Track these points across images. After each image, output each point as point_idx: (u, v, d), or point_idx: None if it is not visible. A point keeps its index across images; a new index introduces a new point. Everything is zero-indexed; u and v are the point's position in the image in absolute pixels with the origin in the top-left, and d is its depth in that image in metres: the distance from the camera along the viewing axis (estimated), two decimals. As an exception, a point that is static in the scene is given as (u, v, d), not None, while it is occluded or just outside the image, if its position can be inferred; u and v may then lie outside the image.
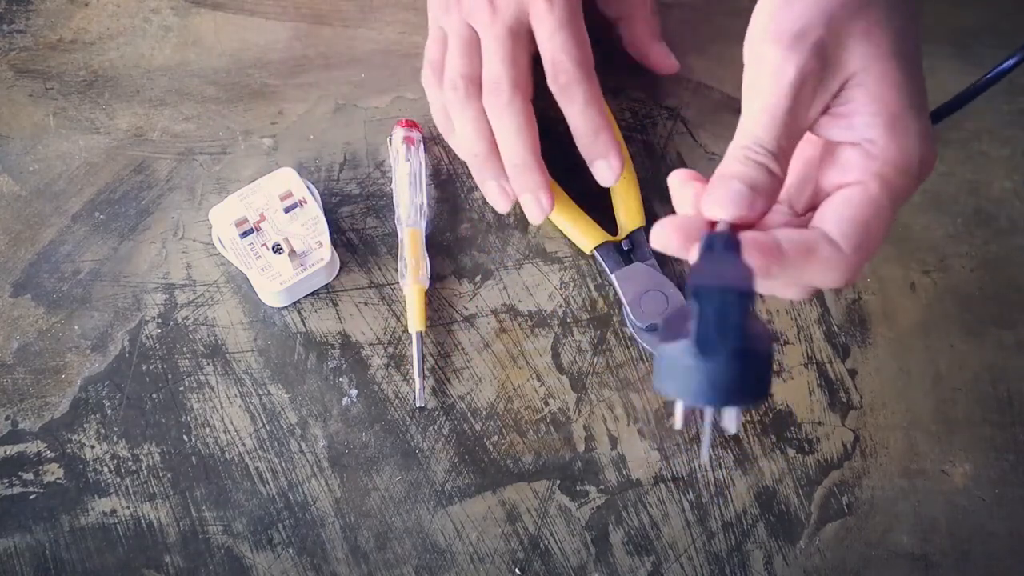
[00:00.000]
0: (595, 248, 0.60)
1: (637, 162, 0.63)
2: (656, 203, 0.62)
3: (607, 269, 0.59)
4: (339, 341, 0.59)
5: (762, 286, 0.42)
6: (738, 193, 0.40)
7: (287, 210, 0.58)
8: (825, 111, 0.42)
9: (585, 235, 0.60)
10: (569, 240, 0.61)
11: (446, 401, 0.58)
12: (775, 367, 0.59)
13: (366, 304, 0.60)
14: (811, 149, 0.45)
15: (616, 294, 0.59)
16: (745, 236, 0.39)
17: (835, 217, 0.41)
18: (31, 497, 0.55)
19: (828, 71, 0.41)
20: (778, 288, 0.44)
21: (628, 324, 0.59)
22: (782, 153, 0.41)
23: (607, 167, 0.56)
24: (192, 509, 0.55)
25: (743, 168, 0.40)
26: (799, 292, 0.44)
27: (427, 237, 0.60)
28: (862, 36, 0.41)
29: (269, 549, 0.55)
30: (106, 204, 0.61)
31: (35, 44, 0.65)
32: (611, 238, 0.60)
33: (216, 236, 0.58)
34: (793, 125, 0.41)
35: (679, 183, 0.44)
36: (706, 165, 0.63)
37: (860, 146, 0.41)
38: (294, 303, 0.59)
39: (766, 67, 0.41)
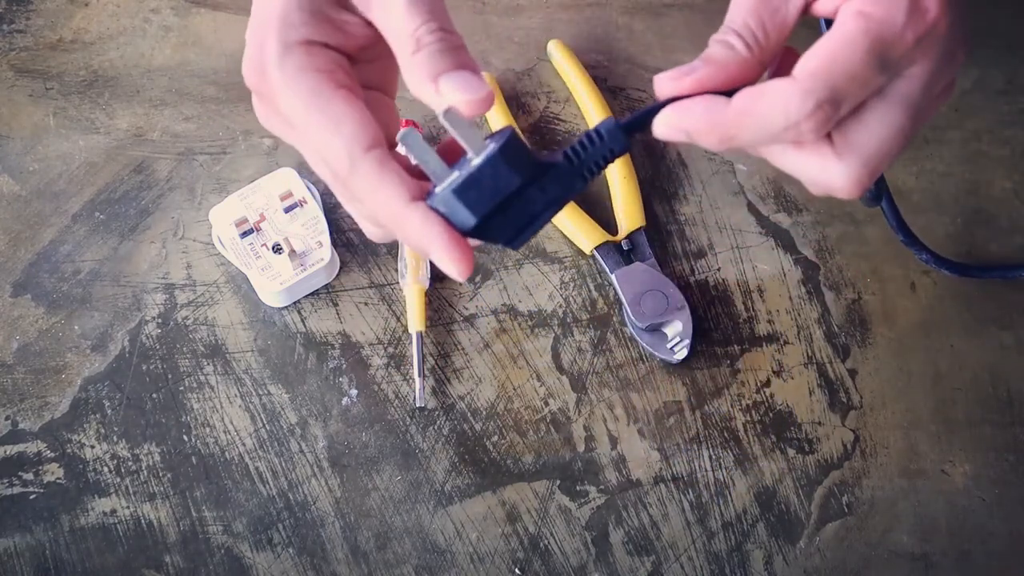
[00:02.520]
0: (595, 248, 0.60)
1: (637, 162, 0.63)
2: (656, 203, 0.62)
3: (607, 269, 0.59)
4: (339, 341, 0.59)
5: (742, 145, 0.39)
6: (686, 65, 0.38)
7: (287, 210, 0.58)
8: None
9: (585, 235, 0.60)
10: (569, 240, 0.61)
11: (446, 401, 0.58)
12: (774, 366, 0.59)
13: (366, 304, 0.60)
14: None
15: (616, 294, 0.59)
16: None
17: (805, 55, 0.37)
18: (31, 497, 0.55)
19: None
20: (751, 129, 0.38)
21: (628, 324, 0.59)
22: (747, 31, 0.38)
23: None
24: (192, 509, 0.55)
25: (705, 51, 0.39)
26: (775, 154, 0.39)
27: (427, 237, 0.60)
28: None
29: (269, 549, 0.55)
30: (106, 204, 0.61)
31: (35, 44, 0.65)
32: (611, 238, 0.60)
33: (216, 236, 0.58)
34: (762, 6, 0.38)
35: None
36: (706, 165, 0.63)
37: None
38: (294, 303, 0.59)
39: None
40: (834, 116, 0.37)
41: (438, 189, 0.37)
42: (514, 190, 0.37)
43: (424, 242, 0.37)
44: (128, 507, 0.55)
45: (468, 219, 0.37)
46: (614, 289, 0.59)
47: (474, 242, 0.38)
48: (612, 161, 0.39)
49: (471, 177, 0.37)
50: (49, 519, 0.55)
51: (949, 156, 0.64)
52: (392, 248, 0.61)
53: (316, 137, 0.38)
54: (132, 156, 0.63)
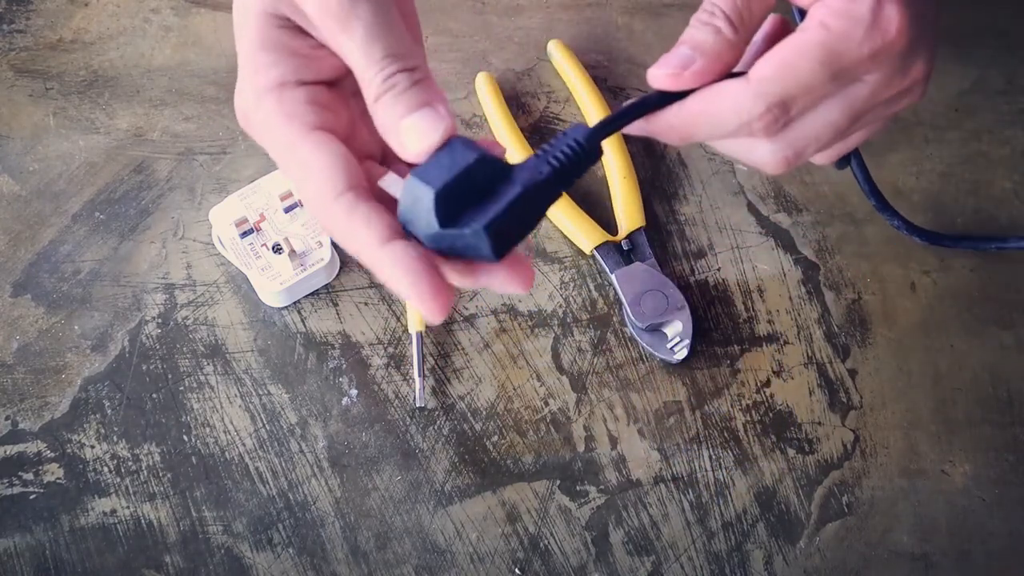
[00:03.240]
0: (595, 248, 0.60)
1: (637, 162, 0.63)
2: (656, 203, 0.62)
3: (607, 269, 0.59)
4: (339, 341, 0.59)
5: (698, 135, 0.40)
6: (677, 53, 0.39)
7: (287, 210, 0.58)
8: None
9: (585, 235, 0.60)
10: (569, 240, 0.61)
11: (446, 401, 0.58)
12: (774, 366, 0.59)
13: (366, 304, 0.60)
14: None
15: (616, 294, 0.59)
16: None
17: (762, 58, 0.39)
18: (31, 497, 0.55)
19: None
20: (707, 125, 0.40)
21: (628, 324, 0.59)
22: (734, 12, 0.39)
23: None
24: (192, 509, 0.55)
25: (689, 33, 0.39)
26: (737, 148, 0.41)
27: (427, 237, 0.60)
28: None
29: (269, 549, 0.55)
30: (106, 204, 0.61)
31: (35, 44, 0.65)
32: (611, 238, 0.60)
33: (216, 236, 0.58)
34: None
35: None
36: (706, 165, 0.63)
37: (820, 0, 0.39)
38: (294, 303, 0.59)
39: None
40: (783, 118, 0.39)
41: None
42: (473, 164, 0.35)
43: (397, 284, 0.35)
44: (128, 507, 0.55)
45: (428, 194, 0.35)
46: (614, 289, 0.59)
47: (457, 278, 0.37)
48: (580, 160, 0.38)
49: (427, 162, 0.36)
50: (49, 519, 0.55)
51: (949, 156, 0.64)
52: (392, 248, 0.60)
53: (292, 181, 0.38)
54: (132, 156, 0.63)
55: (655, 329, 0.58)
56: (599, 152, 0.39)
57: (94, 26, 0.66)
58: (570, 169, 0.38)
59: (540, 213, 0.38)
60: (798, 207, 0.62)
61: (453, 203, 0.35)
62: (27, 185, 0.62)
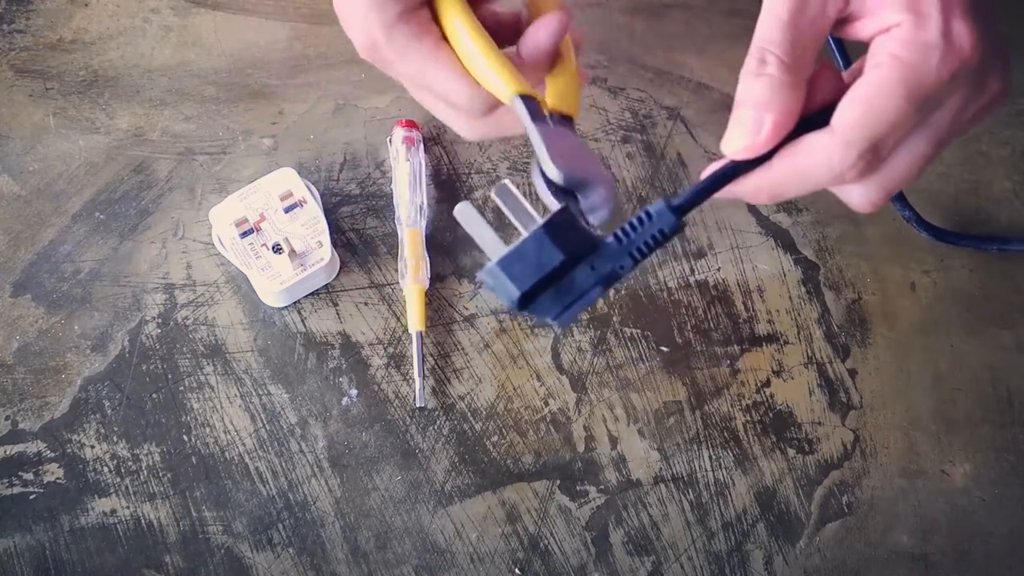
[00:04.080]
0: (518, 95, 0.43)
1: (637, 162, 0.63)
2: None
3: (527, 117, 0.43)
4: (339, 341, 0.59)
5: (772, 187, 0.39)
6: (743, 119, 0.38)
7: (287, 210, 0.58)
8: (847, 9, 0.38)
9: (506, 79, 0.43)
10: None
11: (446, 401, 0.58)
12: (774, 366, 0.59)
13: (366, 304, 0.60)
14: None
15: (530, 146, 0.44)
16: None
17: (841, 103, 0.37)
18: (31, 497, 0.55)
19: None
20: (796, 183, 0.39)
21: (539, 181, 0.43)
22: (786, 53, 0.37)
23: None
24: (192, 509, 0.55)
25: (745, 89, 0.38)
26: (806, 188, 0.39)
27: (427, 237, 0.60)
28: None
29: (269, 549, 0.55)
30: (106, 204, 0.61)
31: (35, 44, 0.65)
32: (539, 97, 0.44)
33: (216, 236, 0.58)
34: (799, 21, 0.38)
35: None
36: (706, 165, 0.63)
37: (884, 32, 0.38)
38: (294, 303, 0.59)
39: None
40: (876, 161, 0.38)
41: (488, 263, 0.39)
42: (557, 266, 0.38)
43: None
44: (128, 507, 0.55)
45: (513, 292, 0.38)
46: (529, 144, 0.43)
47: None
48: (665, 242, 0.40)
49: (515, 252, 0.39)
50: (49, 519, 0.55)
51: (949, 156, 0.64)
52: (392, 248, 0.61)
53: (432, 96, 0.44)
54: (132, 156, 0.63)
55: (570, 191, 0.43)
56: (682, 228, 0.40)
57: (94, 26, 0.66)
58: (650, 253, 0.40)
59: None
60: (798, 207, 0.62)
61: (533, 295, 0.39)
62: (27, 185, 0.62)
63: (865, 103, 0.37)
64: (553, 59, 0.45)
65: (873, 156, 0.37)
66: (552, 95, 0.47)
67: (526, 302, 0.39)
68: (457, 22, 0.43)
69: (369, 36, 0.43)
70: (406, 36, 0.43)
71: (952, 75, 0.37)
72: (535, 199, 0.42)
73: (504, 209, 0.40)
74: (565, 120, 0.45)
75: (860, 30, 0.38)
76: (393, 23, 0.43)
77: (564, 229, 0.39)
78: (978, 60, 0.37)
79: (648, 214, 0.39)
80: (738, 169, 0.39)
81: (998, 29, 0.39)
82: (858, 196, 0.39)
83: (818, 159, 0.37)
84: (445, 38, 0.44)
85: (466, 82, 0.43)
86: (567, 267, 0.39)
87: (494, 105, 0.43)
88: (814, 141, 0.37)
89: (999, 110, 0.40)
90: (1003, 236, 0.61)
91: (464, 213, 0.40)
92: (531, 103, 0.43)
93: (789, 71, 0.37)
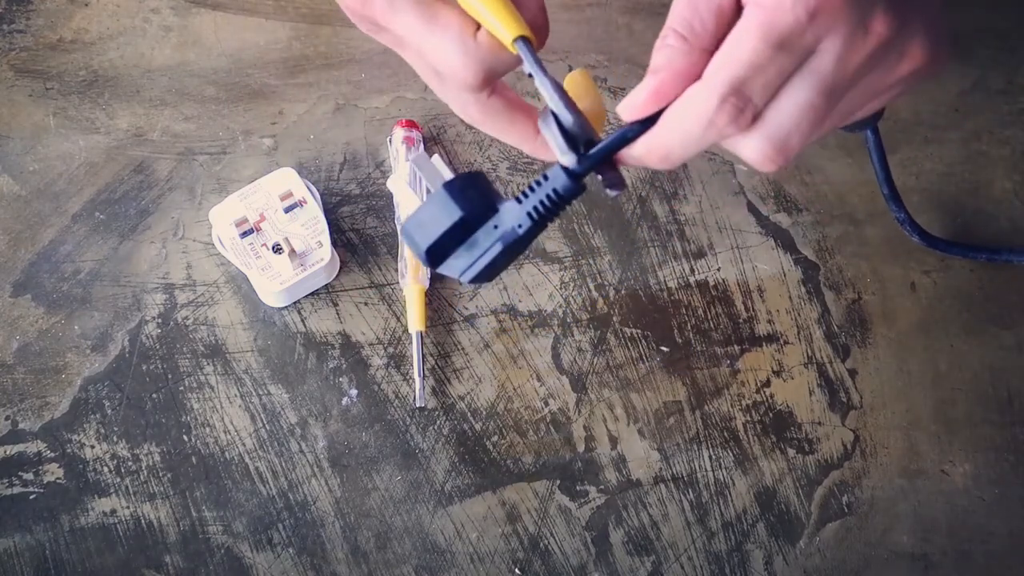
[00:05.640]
0: (519, 38, 0.41)
1: (637, 162, 0.63)
2: (656, 203, 0.62)
3: (534, 64, 0.41)
4: (339, 341, 0.59)
5: (664, 138, 0.39)
6: (640, 85, 0.39)
7: (287, 210, 0.58)
8: None
9: (512, 20, 0.41)
10: (567, 238, 0.61)
11: (446, 401, 0.58)
12: (774, 366, 0.59)
13: (366, 304, 0.60)
14: None
15: (541, 91, 0.42)
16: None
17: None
18: (31, 497, 0.55)
19: None
20: (678, 137, 0.39)
21: (551, 125, 0.41)
22: (684, 25, 0.39)
23: None
24: (192, 509, 0.55)
25: (653, 58, 0.39)
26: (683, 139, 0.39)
27: (427, 237, 0.60)
28: None
29: (269, 549, 0.55)
30: (106, 204, 0.61)
31: (35, 44, 0.65)
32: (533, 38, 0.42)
33: (216, 236, 0.58)
34: (697, 1, 0.39)
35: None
36: (706, 165, 0.63)
37: None
38: (294, 303, 0.59)
39: None
40: (745, 105, 0.37)
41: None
42: (457, 222, 0.40)
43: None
44: (128, 507, 0.55)
45: (420, 247, 0.40)
46: (540, 89, 0.41)
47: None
48: (562, 203, 0.40)
49: (421, 210, 0.40)
50: (49, 519, 0.55)
51: (949, 156, 0.64)
52: (392, 248, 0.61)
53: (433, 60, 0.42)
54: (132, 156, 0.63)
55: (581, 142, 0.41)
56: (580, 191, 0.40)
57: (94, 26, 0.66)
58: (549, 215, 0.40)
59: (521, 251, 0.42)
60: (798, 207, 0.62)
61: (440, 251, 0.40)
62: (27, 185, 0.62)
63: (726, 50, 0.37)
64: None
65: (739, 99, 0.37)
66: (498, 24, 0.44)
67: (436, 260, 0.40)
68: None
69: (369, 2, 0.41)
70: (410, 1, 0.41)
71: (810, 14, 0.36)
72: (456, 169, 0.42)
73: (422, 176, 0.42)
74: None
75: None
76: None
77: (466, 189, 0.40)
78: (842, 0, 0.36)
79: (545, 176, 0.40)
80: (631, 132, 0.39)
81: None
82: (748, 150, 0.38)
83: (689, 109, 0.38)
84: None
85: (463, 49, 0.41)
86: (471, 227, 0.40)
87: (488, 79, 0.42)
88: (686, 92, 0.38)
89: (921, 60, 0.39)
90: (994, 246, 0.60)
91: (420, 161, 0.42)
92: (533, 49, 0.42)
93: (683, 41, 0.38)
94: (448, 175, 0.42)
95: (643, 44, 0.66)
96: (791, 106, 0.38)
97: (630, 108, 0.39)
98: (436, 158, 0.43)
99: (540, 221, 0.40)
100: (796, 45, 0.37)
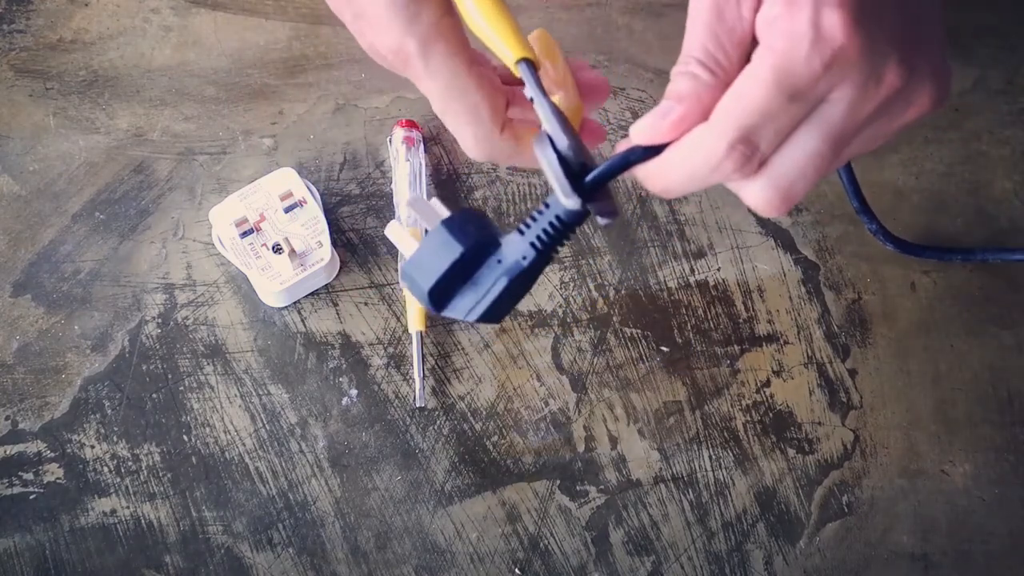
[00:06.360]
0: (524, 60, 0.42)
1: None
2: (656, 203, 0.62)
3: (535, 88, 0.41)
4: (339, 341, 0.59)
5: (662, 174, 0.39)
6: (656, 108, 0.38)
7: (287, 210, 0.58)
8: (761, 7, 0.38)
9: (516, 42, 0.42)
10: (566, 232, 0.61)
11: (446, 401, 0.58)
12: (774, 366, 0.59)
13: (366, 304, 0.60)
14: None
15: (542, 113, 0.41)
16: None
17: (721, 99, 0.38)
18: (31, 497, 0.55)
19: None
20: (683, 175, 0.39)
21: (546, 150, 0.40)
22: (706, 55, 0.38)
23: None
24: (192, 509, 0.55)
25: (668, 88, 0.38)
26: (687, 177, 0.39)
27: (427, 237, 0.60)
28: None
29: (269, 549, 0.55)
30: (106, 204, 0.61)
31: (35, 44, 0.65)
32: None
33: (216, 236, 0.58)
34: (716, 26, 0.38)
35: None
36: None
37: (766, 24, 0.37)
38: (294, 303, 0.59)
39: None
40: (753, 153, 0.37)
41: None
42: (458, 259, 0.38)
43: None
44: (128, 507, 0.55)
45: (422, 290, 0.39)
46: (539, 112, 0.41)
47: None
48: (567, 230, 0.39)
49: (420, 250, 0.39)
50: (49, 519, 0.55)
51: (949, 156, 0.64)
52: (392, 248, 0.61)
53: (459, 119, 0.42)
54: (132, 156, 0.63)
55: (577, 167, 0.40)
56: (584, 217, 0.39)
57: (94, 26, 0.66)
58: (554, 244, 0.39)
59: (529, 285, 0.40)
60: (798, 207, 0.62)
61: (444, 292, 0.39)
62: (27, 185, 0.62)
63: (735, 91, 0.36)
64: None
65: (747, 147, 0.36)
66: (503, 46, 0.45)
67: (440, 302, 0.39)
68: None
69: (400, 47, 0.41)
70: (442, 55, 0.41)
71: (825, 65, 0.36)
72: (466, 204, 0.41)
73: (419, 217, 0.40)
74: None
75: (757, 29, 0.38)
76: (429, 38, 0.41)
77: (465, 224, 0.39)
78: (856, 50, 0.36)
79: (546, 204, 0.39)
80: (635, 156, 0.38)
81: (905, 21, 0.38)
82: (751, 195, 0.38)
83: (696, 149, 0.37)
84: (468, 50, 0.42)
85: (484, 142, 0.42)
86: (474, 264, 0.39)
87: (507, 121, 0.42)
88: (694, 132, 0.37)
89: (929, 105, 0.39)
90: (968, 247, 0.60)
91: (418, 205, 0.40)
92: (535, 72, 0.42)
93: (709, 73, 0.38)
94: (446, 214, 0.40)
95: (643, 44, 0.66)
96: (798, 154, 0.37)
97: (647, 133, 0.38)
98: (435, 200, 0.41)
99: (545, 251, 0.39)
100: (809, 95, 0.37)
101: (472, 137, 0.43)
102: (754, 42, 0.38)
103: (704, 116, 0.37)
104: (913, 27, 0.38)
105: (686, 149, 0.37)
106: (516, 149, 0.43)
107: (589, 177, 0.38)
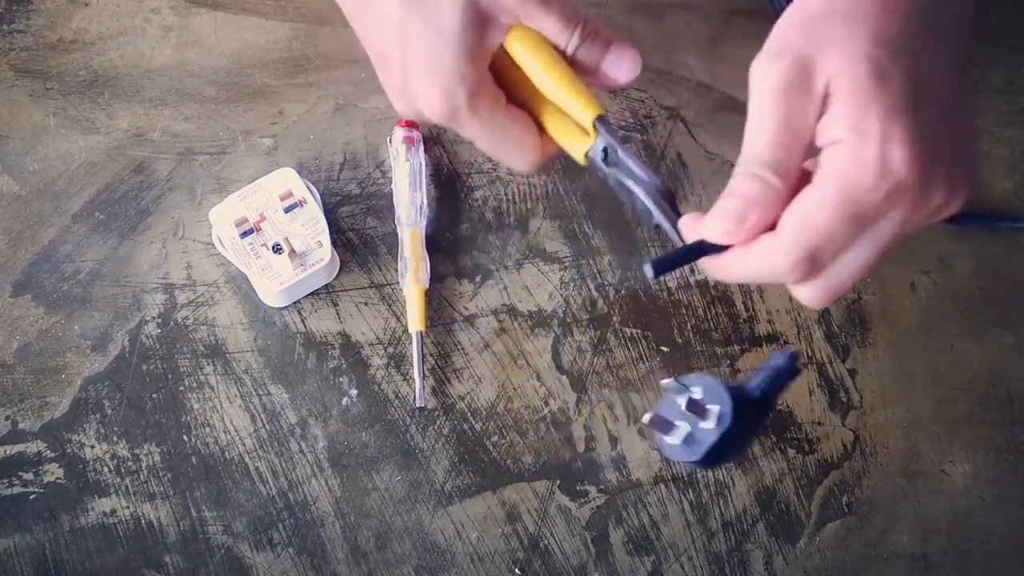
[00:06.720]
0: (599, 118, 0.47)
1: (637, 162, 0.63)
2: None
3: (615, 142, 0.46)
4: (339, 341, 0.59)
5: (730, 269, 0.43)
6: (729, 208, 0.41)
7: (287, 210, 0.58)
8: (820, 118, 0.41)
9: (587, 103, 0.46)
10: (567, 238, 0.61)
11: (446, 401, 0.58)
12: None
13: (366, 304, 0.60)
14: None
15: (628, 171, 0.46)
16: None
17: (788, 209, 0.41)
18: (31, 497, 0.55)
19: (809, 77, 0.40)
20: (746, 275, 0.43)
21: (643, 196, 0.46)
22: (777, 163, 0.40)
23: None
24: (192, 509, 0.55)
25: (737, 184, 0.41)
26: (757, 277, 0.44)
27: (427, 237, 0.60)
28: (841, 40, 0.40)
29: (269, 549, 0.55)
30: (106, 204, 0.61)
31: (35, 44, 0.65)
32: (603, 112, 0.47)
33: (216, 236, 0.58)
34: (786, 134, 0.40)
35: (690, 226, 0.43)
36: (706, 165, 0.63)
37: (832, 145, 0.40)
38: (294, 303, 0.59)
39: (753, 86, 0.41)
40: (814, 269, 0.41)
41: (667, 439, 0.42)
42: (726, 431, 0.41)
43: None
44: (128, 507, 0.55)
45: (691, 457, 0.42)
46: (626, 161, 0.46)
47: None
48: (787, 381, 0.44)
49: (718, 442, 0.42)
50: (49, 519, 0.55)
51: (949, 156, 0.64)
52: (392, 248, 0.61)
53: (509, 153, 0.48)
54: (132, 156, 0.63)
55: (665, 196, 0.46)
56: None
57: (94, 26, 0.66)
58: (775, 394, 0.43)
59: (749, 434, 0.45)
60: (798, 207, 0.62)
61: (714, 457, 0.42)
62: (27, 185, 0.62)
63: (804, 215, 0.40)
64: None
65: (810, 264, 0.40)
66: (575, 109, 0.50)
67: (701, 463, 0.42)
68: (540, 55, 0.46)
69: (452, 105, 0.45)
70: (489, 106, 0.46)
71: (887, 194, 0.39)
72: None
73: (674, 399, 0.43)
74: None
75: (818, 137, 0.41)
76: (476, 92, 0.45)
77: (740, 409, 0.42)
78: (915, 179, 0.39)
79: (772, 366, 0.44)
80: (708, 250, 0.42)
81: (952, 135, 0.41)
82: (805, 294, 0.42)
83: (763, 260, 0.41)
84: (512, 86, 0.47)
85: (534, 139, 0.47)
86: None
87: (544, 137, 0.48)
88: (762, 241, 0.41)
89: (952, 211, 0.42)
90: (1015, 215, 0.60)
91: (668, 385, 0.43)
92: (609, 124, 0.47)
93: (777, 177, 0.40)
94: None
95: (643, 45, 0.66)
96: (851, 263, 0.41)
97: (722, 238, 0.41)
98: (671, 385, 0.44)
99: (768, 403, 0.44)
100: (868, 219, 0.40)
101: (522, 162, 0.48)
102: (814, 146, 0.41)
103: (771, 221, 0.41)
104: (957, 141, 0.41)
105: (754, 256, 0.41)
106: (554, 155, 0.49)
107: (655, 259, 0.42)
